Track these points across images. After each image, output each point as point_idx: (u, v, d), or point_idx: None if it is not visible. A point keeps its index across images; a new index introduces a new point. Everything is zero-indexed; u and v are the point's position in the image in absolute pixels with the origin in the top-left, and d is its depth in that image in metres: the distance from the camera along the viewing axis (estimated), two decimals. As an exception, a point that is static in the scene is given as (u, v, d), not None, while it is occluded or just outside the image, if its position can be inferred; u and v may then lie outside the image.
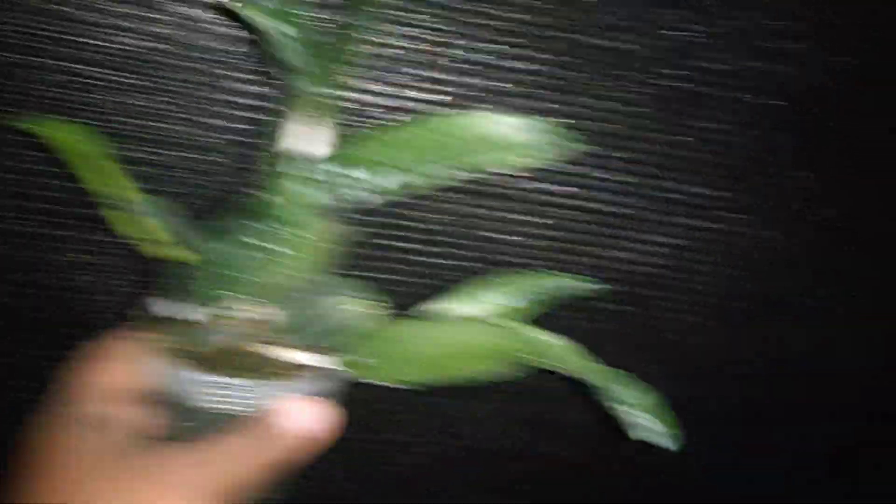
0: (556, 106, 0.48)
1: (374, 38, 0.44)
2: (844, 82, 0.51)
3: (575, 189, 0.49)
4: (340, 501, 0.54)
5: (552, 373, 0.29)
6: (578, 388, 0.30)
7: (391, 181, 0.29)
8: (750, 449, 0.59)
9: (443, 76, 0.46)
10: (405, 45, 0.45)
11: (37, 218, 0.45)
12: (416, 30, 0.45)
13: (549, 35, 0.46)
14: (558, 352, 0.30)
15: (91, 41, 0.42)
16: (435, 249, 0.49)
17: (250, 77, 0.44)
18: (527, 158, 0.29)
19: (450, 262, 0.49)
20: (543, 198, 0.49)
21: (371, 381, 0.30)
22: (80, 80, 0.42)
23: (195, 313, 0.31)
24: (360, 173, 0.29)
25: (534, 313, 0.35)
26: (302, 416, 0.29)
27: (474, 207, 0.49)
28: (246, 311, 0.32)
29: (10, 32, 0.41)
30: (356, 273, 0.46)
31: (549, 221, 0.50)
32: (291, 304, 0.32)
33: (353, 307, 0.31)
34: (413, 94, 0.46)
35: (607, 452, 0.56)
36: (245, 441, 0.29)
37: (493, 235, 0.49)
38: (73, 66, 0.42)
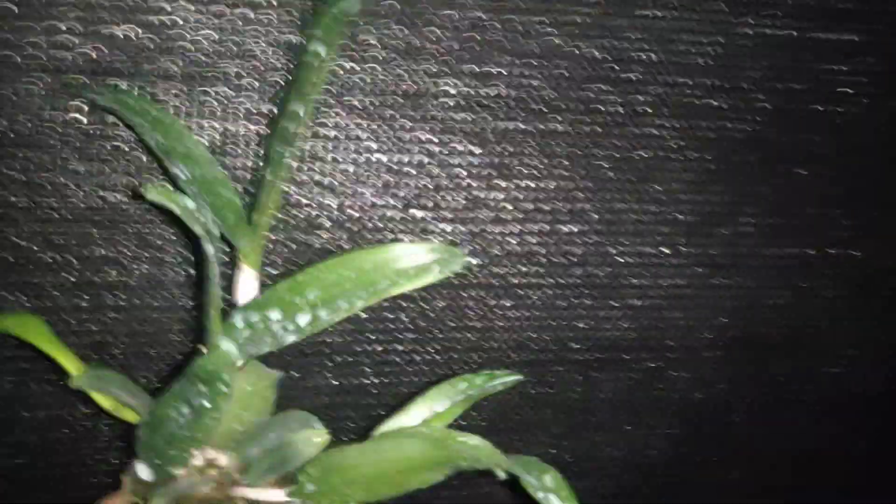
0: (492, 193, 0.50)
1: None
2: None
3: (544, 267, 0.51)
4: None
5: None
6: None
7: (324, 316, 0.32)
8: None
9: (387, 179, 0.49)
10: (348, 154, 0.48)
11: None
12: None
13: (478, 129, 0.49)
14: (479, 452, 0.32)
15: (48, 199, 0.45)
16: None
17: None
18: (419, 282, 0.31)
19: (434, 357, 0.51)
20: (515, 280, 0.51)
21: None
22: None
23: (157, 472, 0.33)
24: (301, 313, 0.32)
25: (458, 414, 0.37)
26: None
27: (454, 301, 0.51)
28: (212, 458, 0.34)
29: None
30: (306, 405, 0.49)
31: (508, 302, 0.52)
32: (250, 444, 0.34)
33: (301, 438, 0.33)
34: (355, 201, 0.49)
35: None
36: None
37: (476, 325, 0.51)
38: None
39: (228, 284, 0.37)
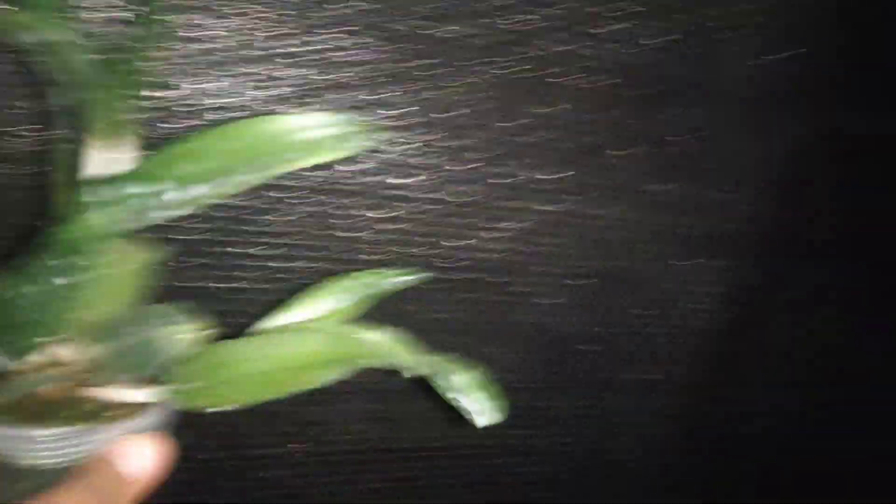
0: (398, 95, 0.47)
1: (201, 35, 0.42)
2: (668, 59, 0.53)
3: (420, 179, 0.49)
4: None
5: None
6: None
7: (198, 191, 0.27)
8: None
9: (279, 72, 0.44)
10: (237, 39, 0.43)
11: None
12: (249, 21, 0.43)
13: (388, 25, 0.45)
14: (386, 348, 0.30)
15: None
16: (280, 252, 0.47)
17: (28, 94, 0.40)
18: (329, 154, 0.28)
19: (298, 264, 0.48)
20: (387, 192, 0.49)
21: (203, 407, 0.29)
22: None
23: (5, 364, 0.28)
24: (166, 188, 0.27)
25: (361, 312, 0.34)
26: (135, 457, 0.28)
27: (321, 206, 0.47)
28: (59, 353, 0.30)
29: None
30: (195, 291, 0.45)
31: (395, 214, 0.49)
32: (107, 339, 0.30)
33: (174, 334, 0.30)
34: (250, 92, 0.44)
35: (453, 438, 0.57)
36: (81, 493, 0.27)
37: (341, 234, 0.48)
38: None
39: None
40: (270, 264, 0.48)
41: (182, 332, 0.30)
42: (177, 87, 0.42)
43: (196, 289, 0.46)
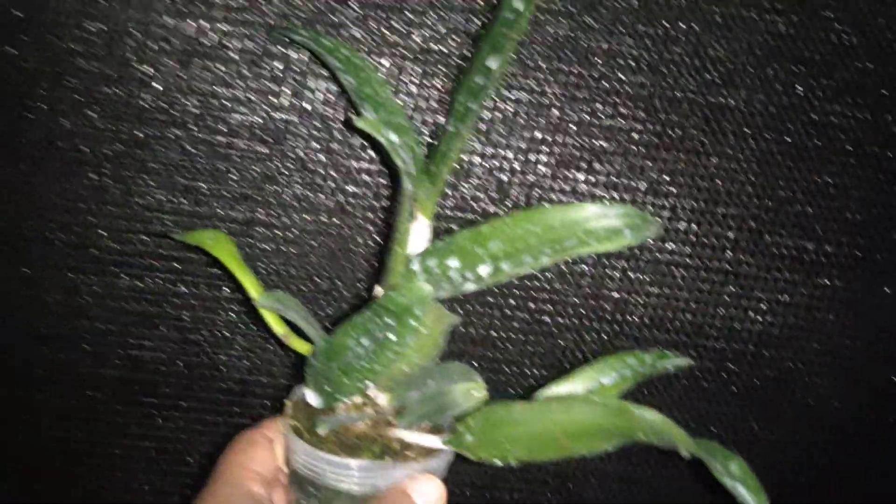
0: (652, 163, 0.48)
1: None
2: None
3: (680, 246, 0.49)
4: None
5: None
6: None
7: (507, 268, 0.30)
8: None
9: (541, 135, 0.48)
10: (506, 107, 0.47)
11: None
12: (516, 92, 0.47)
13: (645, 94, 0.47)
14: (664, 427, 0.30)
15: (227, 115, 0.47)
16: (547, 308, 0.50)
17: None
18: (609, 245, 0.29)
19: (564, 321, 0.50)
20: (662, 257, 0.50)
21: (477, 459, 0.32)
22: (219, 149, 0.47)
23: (325, 400, 0.34)
24: (481, 263, 0.31)
25: (627, 389, 0.36)
26: (426, 493, 0.32)
27: (598, 267, 0.50)
28: (374, 396, 0.35)
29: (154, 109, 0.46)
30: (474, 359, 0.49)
31: (669, 279, 0.50)
32: (413, 388, 0.34)
33: (469, 390, 0.33)
34: (510, 153, 0.48)
35: None
36: None
37: (616, 296, 0.50)
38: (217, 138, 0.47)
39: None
40: (544, 318, 0.50)
41: (475, 389, 0.32)
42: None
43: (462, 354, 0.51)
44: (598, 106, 0.47)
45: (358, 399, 0.35)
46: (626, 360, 0.36)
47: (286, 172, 0.47)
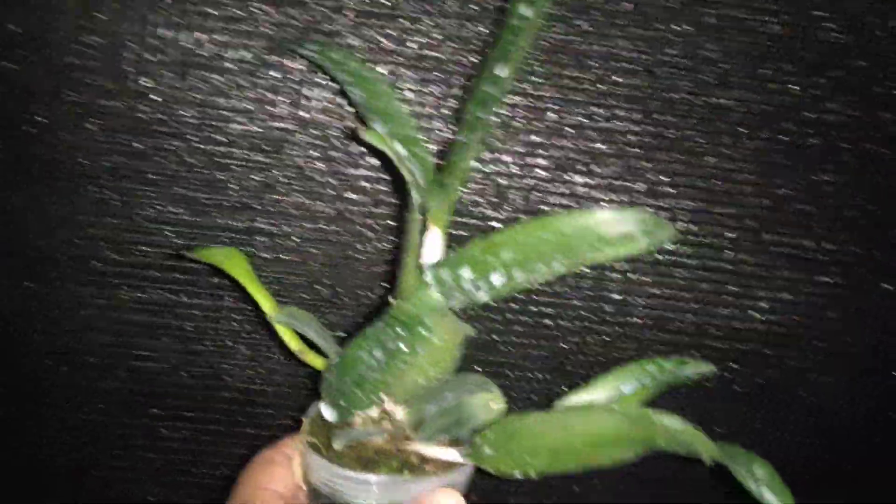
0: (650, 164, 0.48)
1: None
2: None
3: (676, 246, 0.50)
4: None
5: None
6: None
7: (520, 277, 0.30)
8: None
9: (536, 137, 0.48)
10: (503, 112, 0.47)
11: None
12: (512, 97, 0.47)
13: (641, 95, 0.47)
14: (682, 434, 0.30)
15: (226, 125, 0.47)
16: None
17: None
18: (623, 251, 0.29)
19: (566, 324, 0.50)
20: (662, 257, 0.50)
21: (497, 472, 0.32)
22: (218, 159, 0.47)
23: (340, 414, 0.34)
24: (494, 273, 0.30)
25: (648, 399, 0.36)
26: None
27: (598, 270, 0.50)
28: (390, 409, 0.35)
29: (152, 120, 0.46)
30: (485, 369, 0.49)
31: (670, 280, 0.50)
32: (430, 401, 0.34)
33: (487, 401, 0.32)
34: (507, 158, 0.48)
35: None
36: None
37: (616, 297, 0.50)
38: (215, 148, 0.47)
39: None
40: (545, 321, 0.50)
41: (493, 401, 0.32)
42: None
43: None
44: (595, 109, 0.47)
45: (375, 413, 0.35)
46: (645, 368, 0.36)
47: (285, 181, 0.47)
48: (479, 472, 0.33)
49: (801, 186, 0.49)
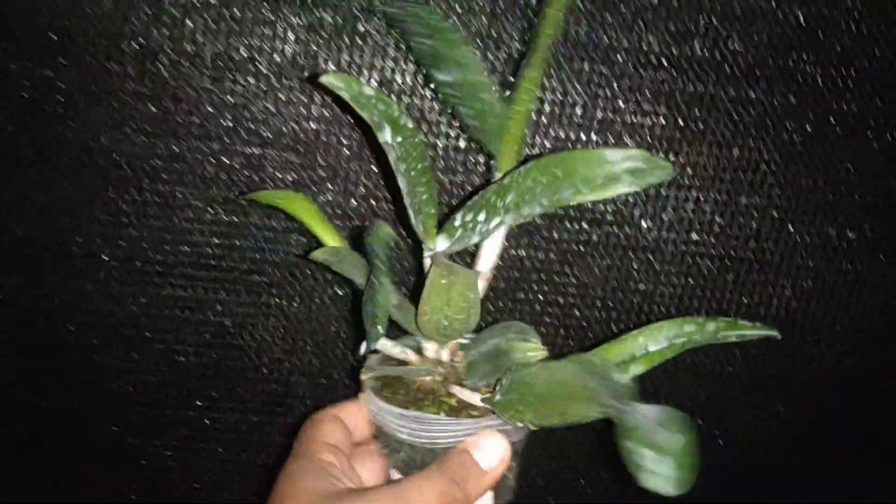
0: (676, 158, 0.49)
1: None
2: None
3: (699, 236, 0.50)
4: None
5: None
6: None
7: (530, 210, 0.30)
8: None
9: (564, 132, 0.48)
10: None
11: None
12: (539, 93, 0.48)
13: (667, 89, 0.48)
14: (622, 389, 0.29)
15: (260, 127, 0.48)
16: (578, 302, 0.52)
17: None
18: (610, 191, 0.28)
19: (595, 314, 0.52)
20: (686, 248, 0.51)
21: (504, 419, 0.32)
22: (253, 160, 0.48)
23: (399, 354, 0.36)
24: (481, 216, 0.32)
25: (670, 356, 0.36)
26: (489, 452, 0.32)
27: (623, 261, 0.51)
28: (440, 355, 0.37)
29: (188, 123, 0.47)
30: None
31: (694, 269, 0.51)
32: (474, 347, 0.36)
33: (527, 350, 0.33)
34: (535, 153, 0.49)
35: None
36: (440, 478, 0.31)
37: (642, 288, 0.51)
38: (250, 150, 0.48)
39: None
40: (574, 311, 0.52)
41: (532, 350, 0.33)
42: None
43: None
44: (621, 104, 0.48)
45: (431, 355, 0.36)
46: (683, 327, 0.35)
47: (318, 180, 0.48)
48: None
49: (824, 176, 0.50)
